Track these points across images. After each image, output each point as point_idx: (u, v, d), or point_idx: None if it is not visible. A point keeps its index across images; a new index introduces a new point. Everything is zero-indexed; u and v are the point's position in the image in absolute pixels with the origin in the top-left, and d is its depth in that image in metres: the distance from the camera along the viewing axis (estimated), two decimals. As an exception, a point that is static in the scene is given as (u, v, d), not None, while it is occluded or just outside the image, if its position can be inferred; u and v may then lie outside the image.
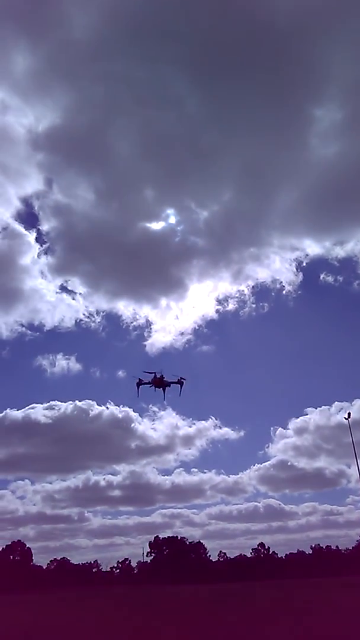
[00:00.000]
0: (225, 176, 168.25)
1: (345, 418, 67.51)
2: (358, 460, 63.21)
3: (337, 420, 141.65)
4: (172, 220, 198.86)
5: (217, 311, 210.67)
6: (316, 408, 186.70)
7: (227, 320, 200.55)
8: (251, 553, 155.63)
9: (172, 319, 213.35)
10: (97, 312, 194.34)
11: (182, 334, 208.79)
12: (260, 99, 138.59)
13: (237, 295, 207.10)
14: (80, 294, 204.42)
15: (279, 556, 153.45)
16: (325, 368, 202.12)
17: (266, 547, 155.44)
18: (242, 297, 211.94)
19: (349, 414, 68.39)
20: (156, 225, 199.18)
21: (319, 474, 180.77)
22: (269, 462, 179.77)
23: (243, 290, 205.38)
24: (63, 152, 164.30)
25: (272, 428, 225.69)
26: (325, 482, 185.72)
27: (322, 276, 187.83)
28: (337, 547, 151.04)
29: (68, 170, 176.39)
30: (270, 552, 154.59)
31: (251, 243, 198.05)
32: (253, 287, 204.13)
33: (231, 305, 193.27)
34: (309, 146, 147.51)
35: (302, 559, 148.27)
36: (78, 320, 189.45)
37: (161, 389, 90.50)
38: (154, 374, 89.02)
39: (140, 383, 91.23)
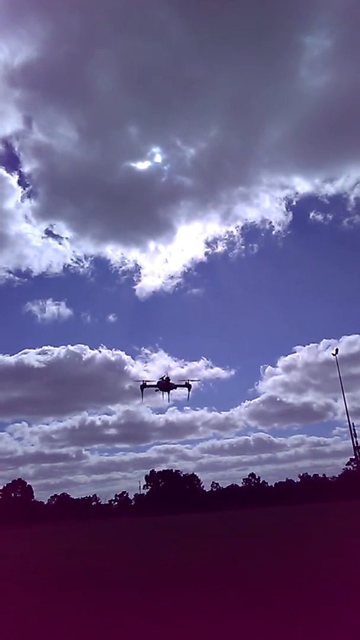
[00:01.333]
0: (211, 111, 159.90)
1: (333, 354, 68.64)
2: (344, 394, 65.28)
3: (325, 357, 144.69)
4: (158, 159, 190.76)
5: (206, 254, 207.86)
6: (305, 346, 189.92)
7: (216, 262, 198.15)
8: (242, 483, 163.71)
9: (161, 263, 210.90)
10: (85, 257, 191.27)
11: (171, 277, 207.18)
12: (247, 27, 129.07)
13: (226, 237, 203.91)
14: (66, 238, 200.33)
15: (269, 485, 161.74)
16: (314, 307, 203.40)
17: (256, 477, 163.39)
18: (231, 239, 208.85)
19: (337, 350, 69.47)
20: (142, 165, 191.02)
21: (307, 408, 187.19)
22: (258, 398, 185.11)
23: (232, 232, 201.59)
24: (41, 88, 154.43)
25: (261, 366, 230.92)
26: (312, 415, 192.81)
27: (311, 215, 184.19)
28: (324, 475, 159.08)
29: (47, 107, 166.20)
30: (261, 482, 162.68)
31: (240, 182, 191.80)
32: (242, 228, 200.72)
33: (220, 247, 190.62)
34: (298, 77, 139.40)
35: (290, 487, 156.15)
36: (66, 266, 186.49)
37: (167, 392, 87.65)
38: (161, 379, 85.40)
39: (144, 386, 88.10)
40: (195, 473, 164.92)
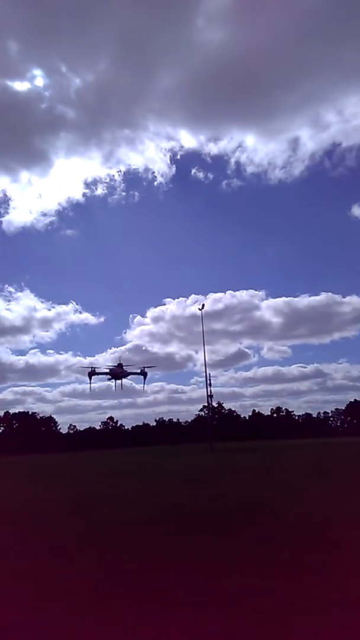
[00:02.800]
0: (103, 42, 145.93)
1: (199, 309, 70.61)
2: (205, 347, 68.71)
3: (192, 311, 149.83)
4: (39, 82, 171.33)
5: (85, 195, 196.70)
6: (174, 299, 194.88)
7: (94, 205, 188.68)
8: (100, 426, 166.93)
9: (34, 198, 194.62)
10: None
11: (44, 215, 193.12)
12: None
13: (107, 180, 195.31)
14: None
15: (126, 428, 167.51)
16: (187, 262, 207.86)
17: (115, 421, 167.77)
18: (112, 183, 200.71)
19: (203, 305, 71.61)
20: (20, 86, 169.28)
21: (170, 358, 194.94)
22: (124, 346, 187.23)
23: (113, 176, 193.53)
24: None
25: (130, 316, 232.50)
26: (174, 365, 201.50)
27: (193, 171, 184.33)
28: (178, 420, 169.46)
29: None
30: (118, 425, 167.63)
31: (126, 124, 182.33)
32: (125, 173, 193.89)
33: (100, 190, 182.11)
34: (195, 26, 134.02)
35: (146, 430, 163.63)
36: None
37: (119, 380, 77.90)
38: (113, 366, 75.27)
39: (93, 373, 77.83)
40: (52, 415, 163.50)
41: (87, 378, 75.73)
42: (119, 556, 7.70)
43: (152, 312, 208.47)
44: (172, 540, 8.64)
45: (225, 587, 5.81)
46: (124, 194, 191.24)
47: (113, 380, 76.50)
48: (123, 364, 76.57)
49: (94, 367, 77.04)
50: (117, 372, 75.97)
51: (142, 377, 78.08)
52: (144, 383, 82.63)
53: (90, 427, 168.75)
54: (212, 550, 7.69)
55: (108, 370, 76.27)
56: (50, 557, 7.92)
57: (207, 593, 5.62)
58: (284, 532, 8.71)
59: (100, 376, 77.89)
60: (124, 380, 77.15)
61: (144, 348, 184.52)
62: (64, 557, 7.89)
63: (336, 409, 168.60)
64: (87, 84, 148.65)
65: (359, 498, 12.78)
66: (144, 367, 79.58)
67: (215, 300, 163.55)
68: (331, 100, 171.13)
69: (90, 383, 76.61)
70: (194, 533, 9.11)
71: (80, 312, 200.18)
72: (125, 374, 76.44)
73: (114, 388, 79.59)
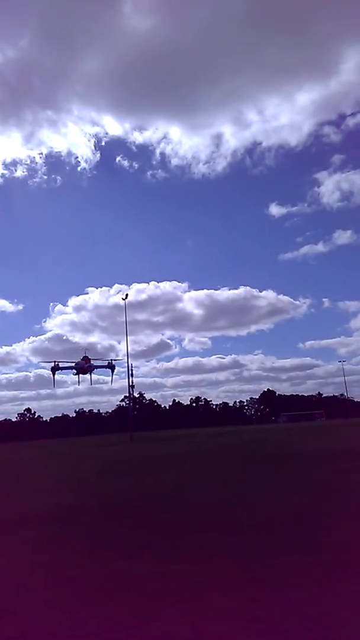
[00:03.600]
0: (26, 17, 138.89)
1: (122, 299, 70.03)
2: (127, 337, 68.61)
3: (115, 301, 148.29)
4: None
5: (3, 176, 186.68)
6: (97, 288, 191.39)
7: (14, 187, 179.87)
8: (17, 417, 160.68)
9: None
10: None
11: None
12: None
13: (27, 162, 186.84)
14: None
15: (44, 419, 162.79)
16: (110, 251, 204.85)
17: (32, 412, 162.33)
18: (33, 165, 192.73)
19: (127, 295, 71.25)
20: None
21: (92, 348, 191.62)
22: (44, 335, 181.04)
23: (34, 158, 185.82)
24: None
25: (51, 304, 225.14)
26: (96, 355, 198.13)
27: (118, 159, 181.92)
28: (99, 410, 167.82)
29: None
30: (36, 417, 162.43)
31: (48, 105, 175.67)
32: (47, 156, 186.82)
33: (20, 172, 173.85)
34: (122, 11, 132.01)
35: (65, 422, 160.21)
36: None
37: (85, 374, 70.84)
38: (79, 360, 68.00)
39: (57, 368, 70.51)
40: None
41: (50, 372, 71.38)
42: (31, 549, 7.49)
43: (74, 301, 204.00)
44: (83, 531, 8.57)
45: (136, 572, 5.88)
46: (45, 177, 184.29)
47: (78, 374, 71.90)
48: (89, 357, 71.78)
49: (58, 362, 71.90)
50: (83, 367, 71.08)
51: (110, 370, 74.69)
52: (112, 376, 79.29)
53: (5, 419, 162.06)
54: (122, 535, 7.74)
55: (74, 364, 71.39)
56: None
57: (116, 579, 5.65)
58: (191, 516, 8.98)
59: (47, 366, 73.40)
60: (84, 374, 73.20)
61: (64, 337, 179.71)
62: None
63: (251, 398, 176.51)
64: (8, 59, 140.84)
65: (258, 479, 13.49)
66: (111, 360, 76.00)
67: (138, 291, 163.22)
68: (253, 99, 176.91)
69: (54, 378, 71.98)
70: (108, 520, 9.11)
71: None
72: (92, 368, 71.88)
73: (77, 383, 75.78)
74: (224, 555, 6.35)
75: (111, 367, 75.26)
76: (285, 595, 4.80)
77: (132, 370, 72.11)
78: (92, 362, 72.11)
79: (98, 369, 74.10)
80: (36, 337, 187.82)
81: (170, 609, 4.66)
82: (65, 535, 8.29)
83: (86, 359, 71.86)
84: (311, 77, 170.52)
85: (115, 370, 77.23)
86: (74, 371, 72.36)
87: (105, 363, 74.67)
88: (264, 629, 4.09)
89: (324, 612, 4.34)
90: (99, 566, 6.25)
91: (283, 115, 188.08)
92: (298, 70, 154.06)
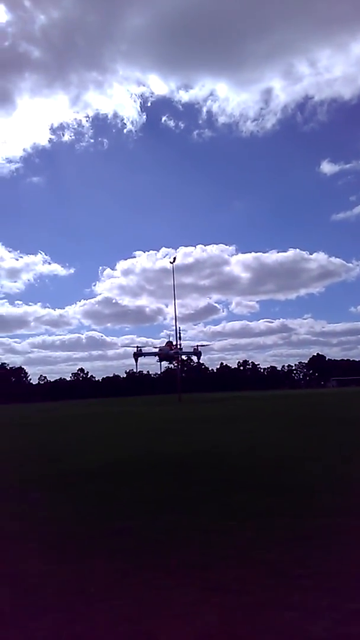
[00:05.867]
0: None
1: (170, 262, 69.75)
2: (175, 301, 68.60)
3: (162, 264, 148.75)
4: (2, 18, 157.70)
5: (51, 140, 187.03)
6: (144, 252, 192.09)
7: (61, 152, 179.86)
8: (71, 377, 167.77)
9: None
10: None
11: (10, 161, 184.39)
12: None
13: (74, 126, 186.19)
14: None
15: (96, 379, 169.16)
16: (157, 214, 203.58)
17: (85, 372, 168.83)
18: (80, 129, 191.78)
19: (174, 258, 70.81)
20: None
21: (140, 311, 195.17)
22: (94, 298, 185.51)
23: (81, 121, 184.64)
24: None
25: (100, 268, 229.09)
26: (144, 318, 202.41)
27: (164, 119, 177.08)
28: (147, 372, 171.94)
29: None
30: (89, 376, 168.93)
31: (93, 66, 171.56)
32: (93, 118, 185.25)
33: (67, 137, 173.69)
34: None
35: (116, 382, 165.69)
36: None
37: (168, 361, 67.69)
38: (165, 345, 64.52)
39: (139, 354, 69.41)
40: (23, 366, 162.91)
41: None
42: (87, 501, 8.01)
43: (122, 265, 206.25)
44: (135, 485, 9.03)
45: (185, 526, 6.18)
46: (92, 141, 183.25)
47: (161, 361, 70.07)
48: (173, 343, 66.65)
49: (140, 347, 70.79)
50: (168, 353, 68.94)
51: (196, 357, 72.36)
52: (198, 361, 76.07)
53: (60, 378, 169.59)
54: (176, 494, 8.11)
55: (157, 351, 69.76)
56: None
57: (176, 533, 5.98)
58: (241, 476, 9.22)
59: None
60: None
61: (114, 301, 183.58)
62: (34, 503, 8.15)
63: (299, 362, 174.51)
64: (52, 20, 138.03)
65: (312, 444, 13.53)
66: (197, 347, 73.45)
67: (185, 254, 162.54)
68: (304, 51, 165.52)
69: (136, 364, 70.70)
70: (158, 476, 9.53)
71: (49, 263, 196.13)
72: (178, 355, 69.31)
73: (159, 370, 74.00)
74: (271, 515, 6.53)
75: (197, 354, 71.94)
76: (329, 555, 4.93)
77: (180, 333, 72.72)
78: (176, 348, 67.38)
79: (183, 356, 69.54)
80: (87, 300, 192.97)
81: (218, 562, 4.91)
82: (120, 490, 8.77)
83: (170, 344, 68.78)
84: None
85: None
86: (157, 358, 70.17)
87: (191, 350, 71.21)
88: (308, 585, 4.24)
89: (369, 574, 4.42)
90: (149, 519, 6.62)
91: (336, 67, 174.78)
92: (352, 19, 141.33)
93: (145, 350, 69.96)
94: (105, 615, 3.88)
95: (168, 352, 68.59)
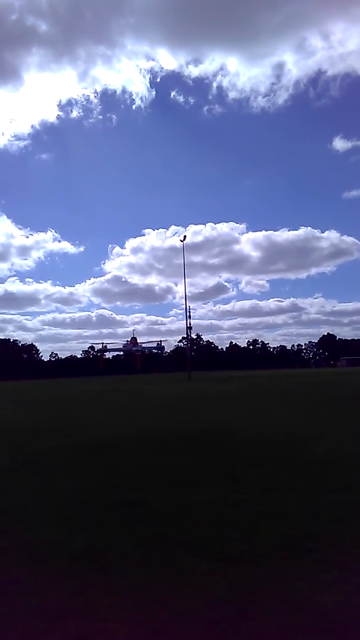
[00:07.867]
0: None
1: (180, 240, 69.40)
2: (185, 279, 68.64)
3: (171, 243, 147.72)
4: None
5: (59, 117, 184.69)
6: (154, 230, 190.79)
7: (70, 128, 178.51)
8: (81, 354, 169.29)
9: (6, 121, 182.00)
10: None
11: (18, 138, 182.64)
12: None
13: (83, 102, 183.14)
14: None
15: (106, 357, 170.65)
16: (166, 192, 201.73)
17: (95, 350, 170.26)
18: (88, 105, 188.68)
19: (184, 237, 70.47)
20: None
21: (149, 290, 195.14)
22: (104, 277, 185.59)
23: (89, 96, 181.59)
24: None
25: (109, 246, 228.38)
26: (154, 297, 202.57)
27: (173, 94, 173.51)
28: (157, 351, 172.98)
29: None
30: (99, 354, 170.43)
31: (101, 40, 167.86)
32: (101, 94, 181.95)
33: (75, 113, 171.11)
34: None
35: (127, 360, 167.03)
36: None
37: (132, 359, 69.38)
38: (128, 342, 65.68)
39: (104, 350, 69.91)
40: (34, 343, 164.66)
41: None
42: (99, 474, 8.14)
43: (131, 243, 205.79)
44: (145, 459, 9.14)
45: (196, 500, 6.26)
46: (100, 117, 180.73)
47: (126, 358, 72.79)
48: (137, 339, 71.64)
49: (105, 344, 73.56)
50: (131, 350, 71.81)
51: (159, 350, 75.09)
52: (162, 355, 79.57)
53: (71, 355, 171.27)
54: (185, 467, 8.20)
55: (122, 346, 72.53)
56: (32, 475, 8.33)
57: (181, 506, 6.06)
58: (255, 453, 9.29)
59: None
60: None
61: (123, 279, 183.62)
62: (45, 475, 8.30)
63: (309, 342, 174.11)
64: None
65: (322, 422, 13.56)
66: (160, 342, 76.06)
67: (195, 233, 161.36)
68: (317, 24, 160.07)
69: (101, 363, 73.60)
70: (169, 451, 9.64)
71: (59, 241, 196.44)
72: (139, 352, 72.21)
73: (126, 366, 76.13)
74: (282, 490, 6.58)
75: (160, 348, 74.54)
76: (340, 530, 4.96)
77: (189, 311, 72.85)
78: (139, 344, 71.02)
79: (147, 351, 73.03)
80: (96, 278, 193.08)
81: (228, 534, 4.97)
82: (130, 463, 8.90)
83: (134, 340, 71.64)
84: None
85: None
86: (122, 354, 72.60)
87: (154, 344, 74.06)
88: (318, 559, 4.28)
89: (379, 549, 4.45)
90: (160, 492, 6.71)
91: (351, 41, 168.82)
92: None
93: (110, 346, 73.88)
94: (118, 582, 3.96)
95: (131, 349, 72.40)
